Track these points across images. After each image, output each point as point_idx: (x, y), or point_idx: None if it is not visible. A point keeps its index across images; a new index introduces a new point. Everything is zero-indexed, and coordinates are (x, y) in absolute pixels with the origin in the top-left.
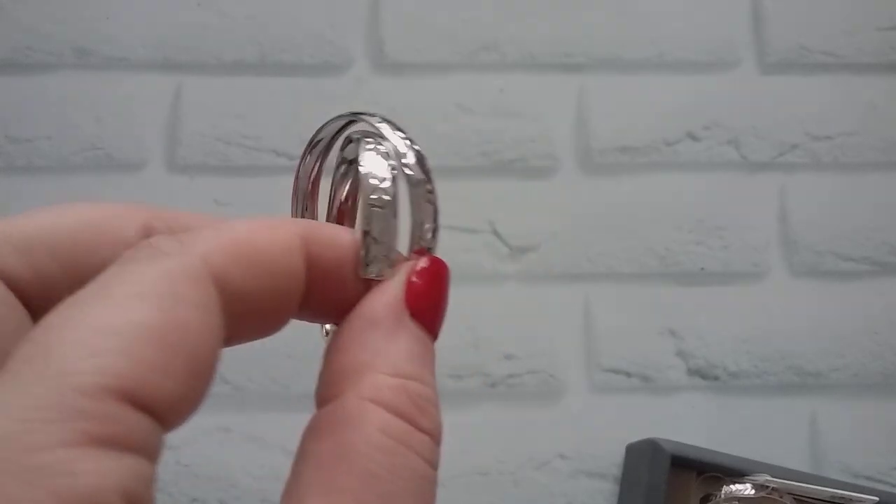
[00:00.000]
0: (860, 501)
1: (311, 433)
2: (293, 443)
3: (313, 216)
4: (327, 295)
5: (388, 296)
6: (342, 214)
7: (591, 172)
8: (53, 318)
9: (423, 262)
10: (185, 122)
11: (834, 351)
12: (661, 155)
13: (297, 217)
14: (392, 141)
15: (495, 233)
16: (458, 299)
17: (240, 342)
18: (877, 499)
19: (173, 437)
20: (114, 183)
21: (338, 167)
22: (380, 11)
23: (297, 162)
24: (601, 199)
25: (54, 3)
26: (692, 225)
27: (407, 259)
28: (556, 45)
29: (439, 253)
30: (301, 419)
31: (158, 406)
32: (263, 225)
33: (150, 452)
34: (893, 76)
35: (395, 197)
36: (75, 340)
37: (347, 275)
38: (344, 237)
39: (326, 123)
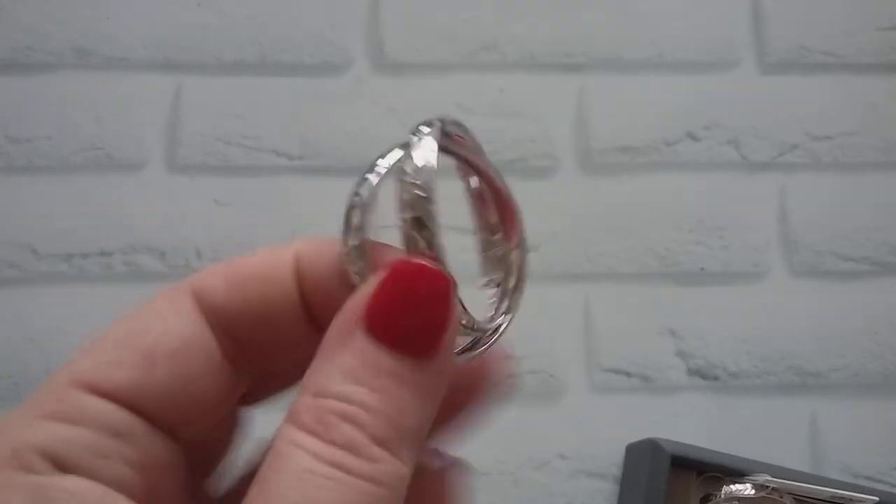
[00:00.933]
0: (860, 501)
1: None
2: None
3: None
4: (331, 308)
5: (344, 309)
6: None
7: (591, 172)
8: None
9: (395, 267)
10: (185, 122)
11: (834, 351)
12: (661, 155)
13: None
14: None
15: None
16: None
17: (267, 364)
18: (877, 499)
19: None
20: (114, 183)
21: None
22: (380, 11)
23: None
24: (601, 199)
25: (54, 3)
26: (692, 225)
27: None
28: (556, 45)
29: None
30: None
31: (113, 390)
32: (263, 251)
33: (100, 426)
34: (893, 76)
35: (372, 195)
36: (75, 359)
37: (338, 284)
38: (329, 246)
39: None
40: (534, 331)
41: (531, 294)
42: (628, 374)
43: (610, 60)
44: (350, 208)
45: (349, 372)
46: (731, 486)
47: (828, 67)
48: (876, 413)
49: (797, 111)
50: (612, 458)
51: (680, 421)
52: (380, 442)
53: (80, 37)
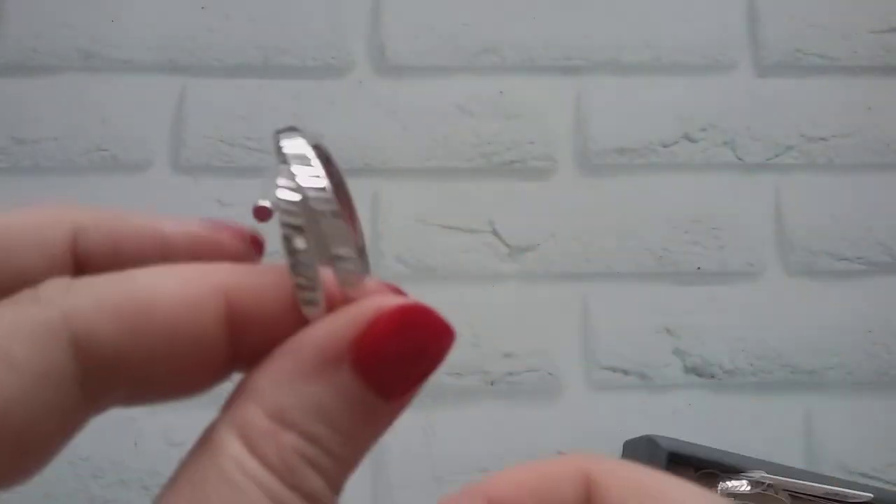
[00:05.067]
0: (854, 498)
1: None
2: None
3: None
4: (264, 342)
5: (325, 329)
6: None
7: (589, 173)
8: None
9: (394, 301)
10: (189, 123)
11: (828, 349)
12: (658, 156)
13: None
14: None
15: (495, 233)
16: (458, 299)
17: (159, 398)
18: (871, 495)
19: (179, 434)
20: (119, 184)
21: None
22: (381, 15)
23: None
24: (599, 200)
25: (60, 6)
26: (689, 225)
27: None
28: (555, 48)
29: (439, 259)
30: None
31: None
32: (174, 277)
33: None
34: (887, 78)
35: (309, 217)
36: None
37: (291, 320)
38: (269, 279)
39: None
40: (532, 329)
41: (531, 293)
42: (626, 372)
43: (608, 63)
44: (289, 233)
45: (323, 410)
46: (728, 483)
47: (823, 70)
48: (870, 410)
49: (792, 113)
50: (610, 455)
51: (677, 418)
52: (336, 488)
53: (86, 39)
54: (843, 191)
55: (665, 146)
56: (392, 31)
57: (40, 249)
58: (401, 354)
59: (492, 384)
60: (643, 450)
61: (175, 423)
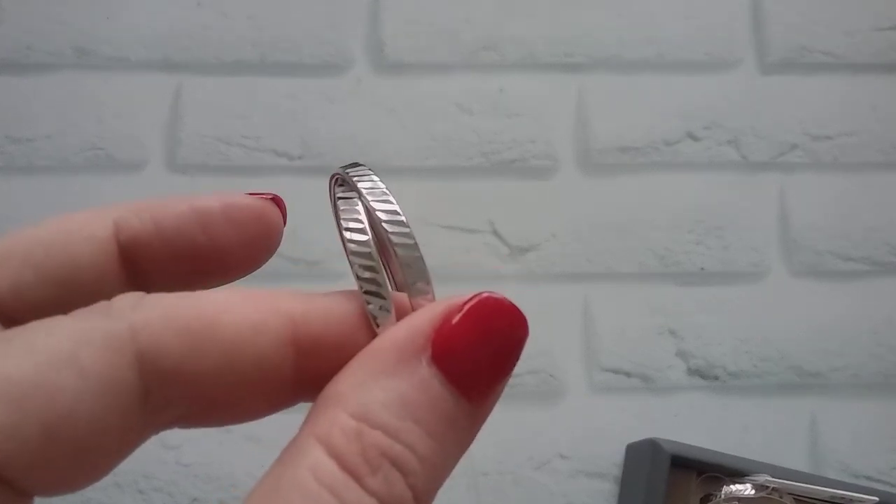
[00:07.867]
0: (860, 501)
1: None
2: None
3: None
4: (332, 363)
5: (403, 328)
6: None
7: (591, 172)
8: None
9: (472, 299)
10: (185, 121)
11: (834, 351)
12: (660, 155)
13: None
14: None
15: (495, 233)
16: None
17: (220, 419)
18: (876, 499)
19: (174, 437)
20: (114, 183)
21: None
22: (380, 11)
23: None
24: (601, 200)
25: (55, 3)
26: (692, 225)
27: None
28: (555, 45)
29: (439, 255)
30: (301, 420)
31: None
32: (240, 299)
33: None
34: (893, 76)
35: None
36: None
37: (359, 344)
38: (336, 304)
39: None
40: (533, 331)
41: (531, 294)
42: (628, 374)
43: (610, 60)
44: (362, 262)
45: (407, 404)
46: (731, 487)
47: (827, 67)
48: (875, 413)
49: (797, 111)
50: (612, 458)
51: (680, 421)
52: (419, 499)
53: (81, 37)
54: (848, 190)
55: (668, 144)
56: (391, 28)
57: (87, 242)
58: (478, 344)
59: None
60: (646, 453)
61: None
